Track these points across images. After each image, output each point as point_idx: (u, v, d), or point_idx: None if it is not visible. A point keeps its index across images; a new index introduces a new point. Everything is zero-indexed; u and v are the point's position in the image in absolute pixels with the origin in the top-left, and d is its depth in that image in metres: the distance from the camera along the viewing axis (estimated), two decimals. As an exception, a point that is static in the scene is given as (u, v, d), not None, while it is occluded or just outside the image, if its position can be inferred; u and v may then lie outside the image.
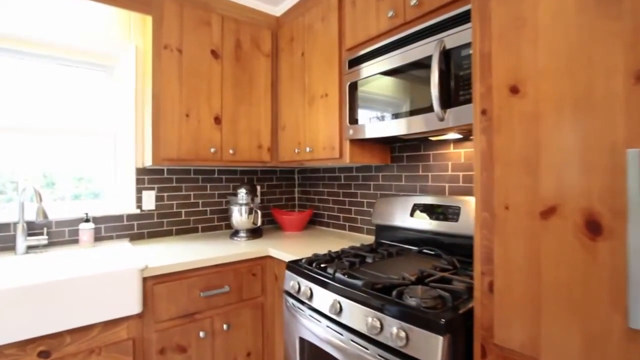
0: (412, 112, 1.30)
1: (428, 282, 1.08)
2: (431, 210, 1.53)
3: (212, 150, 1.83)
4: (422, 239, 1.56)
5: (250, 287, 1.67)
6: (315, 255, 1.46)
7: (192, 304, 1.49)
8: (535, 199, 0.74)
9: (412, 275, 1.15)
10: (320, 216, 2.39)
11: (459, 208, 1.43)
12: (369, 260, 1.40)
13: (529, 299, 0.76)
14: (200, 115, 1.81)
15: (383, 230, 1.76)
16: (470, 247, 1.38)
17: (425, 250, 1.53)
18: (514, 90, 0.78)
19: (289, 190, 2.58)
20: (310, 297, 1.23)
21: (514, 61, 0.78)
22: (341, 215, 2.20)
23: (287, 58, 2.03)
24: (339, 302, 1.10)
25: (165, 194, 2.03)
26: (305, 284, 1.28)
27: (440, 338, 0.83)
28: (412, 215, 1.60)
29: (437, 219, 1.49)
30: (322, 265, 1.33)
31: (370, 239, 1.95)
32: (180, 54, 1.74)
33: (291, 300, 1.35)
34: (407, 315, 0.90)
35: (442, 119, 1.18)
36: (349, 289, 1.09)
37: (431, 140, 1.66)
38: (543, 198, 0.73)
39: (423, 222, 1.54)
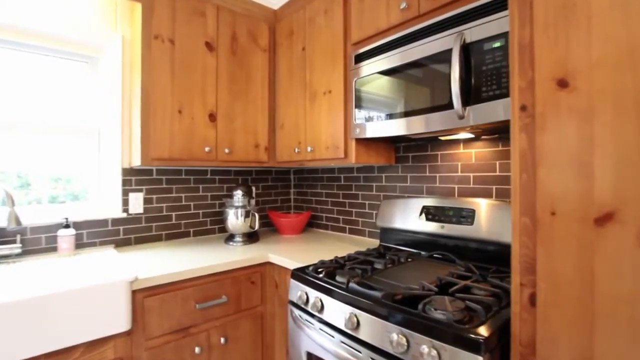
0: (426, 110, 1.22)
1: (452, 292, 1.00)
2: (442, 213, 1.46)
3: (207, 149, 1.71)
4: (432, 243, 1.49)
5: (249, 296, 1.55)
6: (322, 261, 1.36)
7: (186, 316, 1.36)
8: (589, 203, 0.67)
9: (431, 284, 1.07)
10: (317, 218, 2.29)
11: (473, 211, 1.36)
12: (378, 266, 1.32)
13: (579, 314, 0.69)
14: (193, 112, 1.68)
15: (388, 233, 1.68)
16: (487, 252, 1.31)
17: (435, 255, 1.46)
18: (563, 84, 0.71)
19: (284, 192, 2.47)
20: (321, 309, 1.14)
21: (562, 52, 0.71)
22: (341, 217, 2.11)
23: (286, 53, 1.93)
24: (356, 316, 1.00)
25: (154, 196, 1.88)
26: (315, 295, 1.18)
27: (480, 358, 0.75)
28: (420, 217, 1.52)
29: (449, 222, 1.42)
30: (331, 274, 1.23)
31: (372, 242, 1.87)
32: (172, 45, 1.61)
33: (297, 312, 1.24)
34: (438, 332, 0.82)
35: (462, 117, 1.11)
36: (366, 301, 0.99)
37: (440, 140, 1.59)
38: (598, 203, 0.66)
39: (433, 225, 1.47)
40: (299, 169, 2.43)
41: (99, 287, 1.14)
